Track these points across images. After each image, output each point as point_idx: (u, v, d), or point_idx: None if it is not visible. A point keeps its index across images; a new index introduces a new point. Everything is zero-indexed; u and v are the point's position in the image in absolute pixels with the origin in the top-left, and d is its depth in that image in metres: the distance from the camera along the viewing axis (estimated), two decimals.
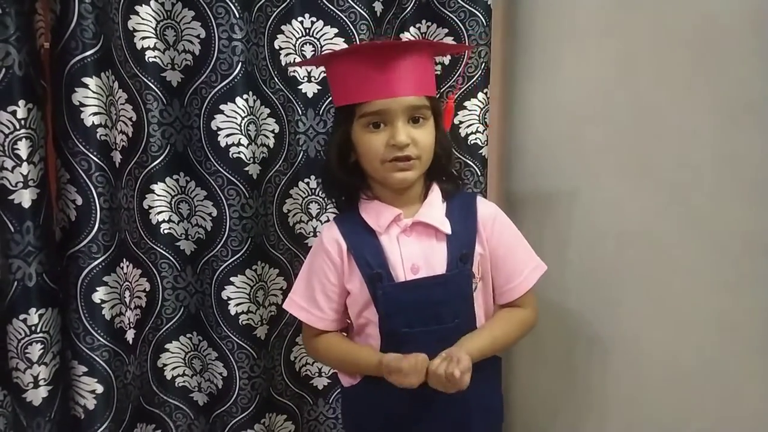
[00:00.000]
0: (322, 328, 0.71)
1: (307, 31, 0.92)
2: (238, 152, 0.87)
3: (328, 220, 0.97)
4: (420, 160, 0.65)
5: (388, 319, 0.66)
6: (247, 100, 0.86)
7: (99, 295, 0.81)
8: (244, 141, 0.87)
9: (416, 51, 0.64)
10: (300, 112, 0.94)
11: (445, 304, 0.66)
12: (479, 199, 0.72)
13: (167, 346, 0.95)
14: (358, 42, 0.91)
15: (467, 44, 0.71)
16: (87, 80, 0.77)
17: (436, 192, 0.70)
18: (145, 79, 0.86)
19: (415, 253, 0.66)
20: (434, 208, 0.68)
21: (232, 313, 0.91)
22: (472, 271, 0.67)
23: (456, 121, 0.97)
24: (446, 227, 0.67)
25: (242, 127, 0.87)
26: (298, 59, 0.92)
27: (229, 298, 0.90)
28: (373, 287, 0.65)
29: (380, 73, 0.62)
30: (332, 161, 0.69)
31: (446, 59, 0.96)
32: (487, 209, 0.71)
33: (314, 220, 0.98)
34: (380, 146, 0.63)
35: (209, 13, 0.83)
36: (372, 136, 0.64)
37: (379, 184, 0.68)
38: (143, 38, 0.85)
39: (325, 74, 0.93)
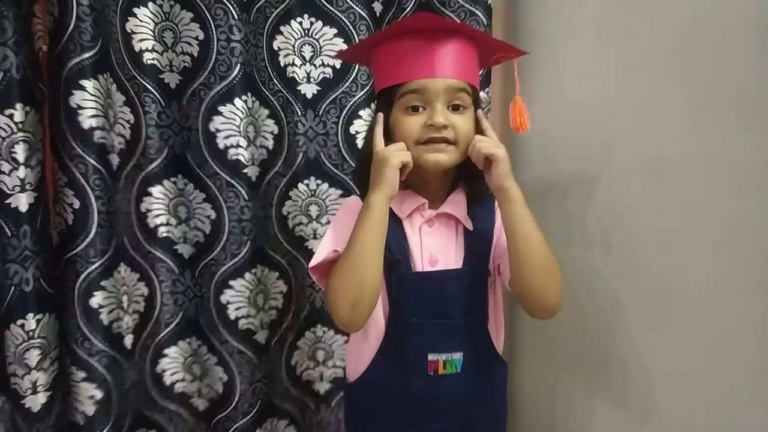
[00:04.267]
0: None
1: (306, 31, 0.91)
2: (237, 154, 0.86)
3: (328, 222, 0.96)
4: (456, 146, 0.63)
5: (398, 307, 0.64)
6: (246, 102, 0.86)
7: (97, 299, 0.80)
8: (243, 143, 0.86)
9: (461, 36, 0.62)
10: (299, 114, 0.93)
11: (457, 299, 0.65)
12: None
13: (166, 351, 0.94)
14: (357, 41, 0.90)
15: (516, 49, 0.69)
16: (85, 83, 0.77)
17: (461, 191, 0.69)
18: (144, 81, 0.85)
19: (435, 244, 0.65)
20: (459, 203, 0.67)
21: (232, 317, 0.90)
22: (488, 269, 0.66)
23: None
24: (469, 223, 0.66)
25: (241, 129, 0.86)
26: (297, 60, 0.92)
27: (229, 303, 0.89)
28: (389, 273, 0.64)
29: (423, 52, 0.61)
30: (368, 149, 0.66)
31: None
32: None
33: (314, 222, 0.96)
34: (417, 127, 0.62)
35: (207, 14, 0.83)
36: (410, 118, 0.62)
37: (411, 171, 0.65)
38: (141, 40, 0.84)
39: (325, 75, 0.93)
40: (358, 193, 0.72)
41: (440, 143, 0.62)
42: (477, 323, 0.67)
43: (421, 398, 0.65)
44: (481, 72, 0.93)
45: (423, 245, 0.65)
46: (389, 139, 0.65)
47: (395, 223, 0.65)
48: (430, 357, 0.64)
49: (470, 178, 0.68)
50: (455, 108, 0.62)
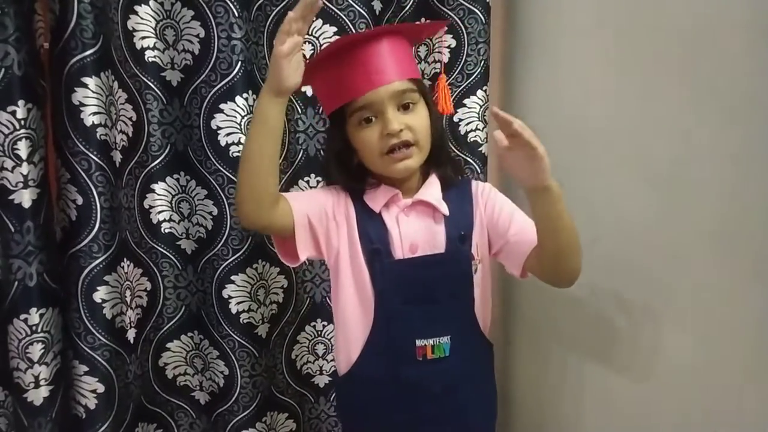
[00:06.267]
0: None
1: (307, 30, 0.92)
2: (239, 151, 0.87)
3: None
4: (418, 145, 0.64)
5: (383, 296, 0.65)
6: (246, 99, 0.86)
7: (100, 294, 0.81)
8: (245, 140, 0.87)
9: (386, 37, 0.63)
10: (299, 111, 0.94)
11: (442, 284, 0.66)
12: (473, 182, 0.73)
13: (168, 345, 0.95)
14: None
15: (440, 23, 0.70)
16: (87, 80, 0.77)
17: (434, 178, 0.70)
18: (145, 79, 0.86)
19: (413, 232, 0.67)
20: (433, 190, 0.68)
21: (233, 311, 0.91)
22: (471, 253, 0.68)
23: (455, 119, 0.97)
24: (444, 208, 0.67)
25: (242, 126, 0.87)
26: None
27: (230, 297, 0.90)
28: (372, 262, 0.65)
29: (357, 68, 0.61)
30: (332, 169, 0.69)
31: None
32: (479, 186, 0.72)
33: None
34: (374, 139, 0.63)
35: (208, 12, 0.83)
36: (366, 132, 0.63)
37: (383, 179, 0.68)
38: (143, 38, 0.85)
39: None
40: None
41: (403, 149, 0.63)
42: (463, 306, 0.68)
43: (411, 384, 0.66)
44: (478, 70, 0.95)
45: (402, 234, 0.66)
46: (353, 154, 0.67)
47: (374, 215, 0.67)
48: (418, 342, 0.65)
49: (439, 164, 0.70)
50: (405, 107, 0.64)
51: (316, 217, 0.66)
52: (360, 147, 0.65)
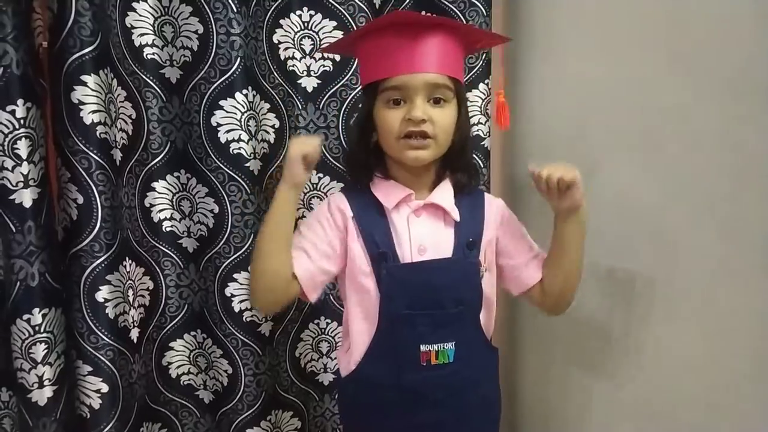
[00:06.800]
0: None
1: (306, 24, 0.91)
2: (239, 148, 0.87)
3: None
4: (436, 140, 0.63)
5: (389, 300, 0.65)
6: (246, 96, 0.86)
7: (102, 294, 0.81)
8: (245, 136, 0.87)
9: (442, 29, 0.62)
10: (300, 107, 0.93)
11: (448, 289, 0.65)
12: (486, 194, 0.74)
13: (172, 344, 0.95)
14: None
15: (501, 36, 0.70)
16: (86, 78, 0.77)
17: (447, 182, 0.69)
18: (144, 77, 0.85)
19: (423, 234, 0.66)
20: (445, 194, 0.68)
21: (236, 309, 0.90)
22: (478, 259, 0.67)
23: None
24: (455, 213, 0.67)
25: (242, 123, 0.86)
26: (297, 53, 0.92)
27: (233, 295, 0.90)
28: (378, 266, 0.65)
29: (403, 48, 0.61)
30: (352, 139, 0.70)
31: None
32: (496, 201, 0.73)
33: None
34: (397, 121, 0.63)
35: (207, 8, 0.83)
36: (390, 112, 0.63)
37: (395, 163, 0.68)
38: (141, 35, 0.84)
39: (325, 68, 0.93)
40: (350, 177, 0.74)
41: (419, 137, 0.62)
42: (468, 312, 0.67)
43: (414, 390, 0.65)
44: (480, 64, 0.94)
45: (411, 235, 0.65)
46: (373, 131, 0.67)
47: (381, 215, 0.66)
48: (422, 348, 0.64)
49: (454, 169, 0.69)
50: (436, 101, 0.63)
51: (324, 259, 0.66)
52: (380, 125, 0.65)
